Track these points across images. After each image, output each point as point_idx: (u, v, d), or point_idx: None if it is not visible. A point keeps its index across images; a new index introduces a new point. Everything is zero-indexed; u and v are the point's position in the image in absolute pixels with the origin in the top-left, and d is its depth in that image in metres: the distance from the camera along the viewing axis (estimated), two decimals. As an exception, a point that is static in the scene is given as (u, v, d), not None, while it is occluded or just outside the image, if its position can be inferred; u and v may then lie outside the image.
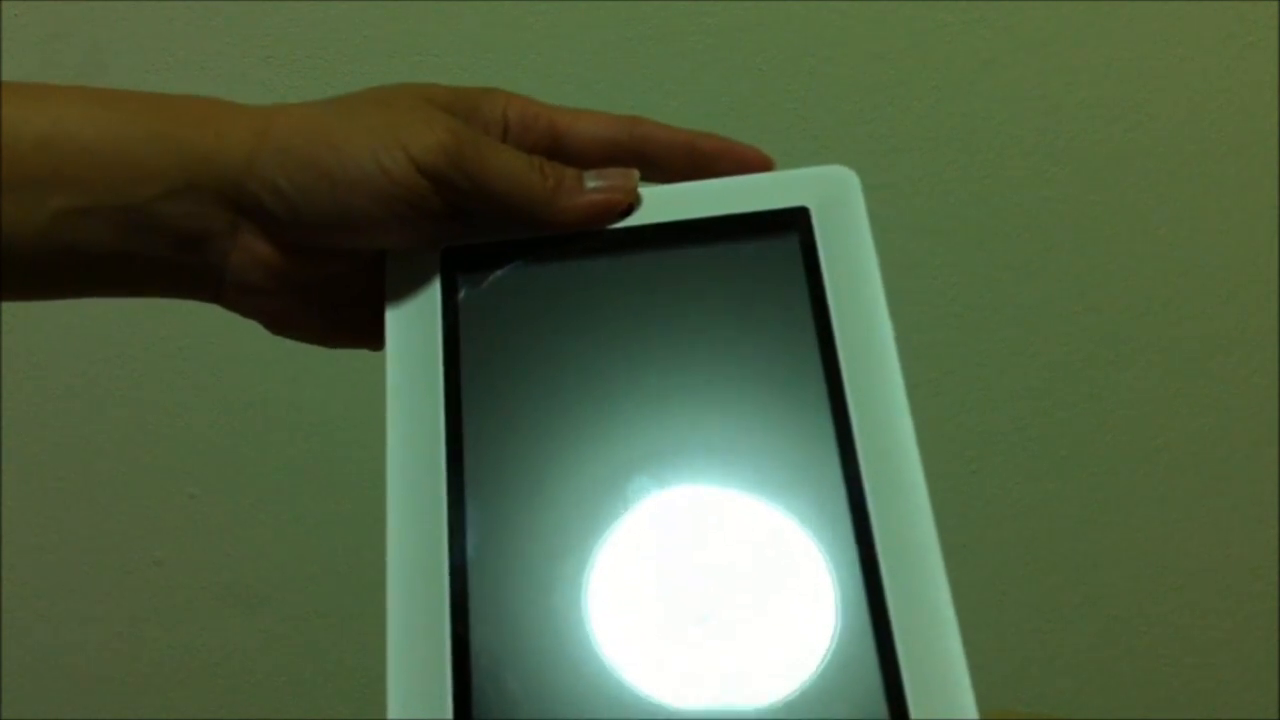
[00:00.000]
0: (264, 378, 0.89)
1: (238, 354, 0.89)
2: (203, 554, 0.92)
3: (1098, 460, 0.91)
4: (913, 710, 0.31)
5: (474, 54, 0.85)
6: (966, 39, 0.85)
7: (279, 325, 0.40)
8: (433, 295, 0.38)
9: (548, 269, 0.38)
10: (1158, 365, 0.90)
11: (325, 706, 0.94)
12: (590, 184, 0.39)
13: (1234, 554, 0.92)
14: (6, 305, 0.88)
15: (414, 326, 0.38)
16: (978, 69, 0.86)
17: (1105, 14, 0.85)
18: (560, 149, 0.40)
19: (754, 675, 0.32)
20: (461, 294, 0.38)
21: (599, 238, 0.39)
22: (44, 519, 0.92)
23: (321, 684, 0.94)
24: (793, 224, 0.39)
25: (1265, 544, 0.92)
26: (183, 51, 0.85)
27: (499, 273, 0.38)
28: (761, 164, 0.41)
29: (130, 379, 0.90)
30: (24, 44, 0.85)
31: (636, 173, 0.39)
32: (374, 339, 0.40)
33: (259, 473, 0.91)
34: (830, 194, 0.39)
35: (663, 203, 0.39)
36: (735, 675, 0.32)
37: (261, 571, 0.93)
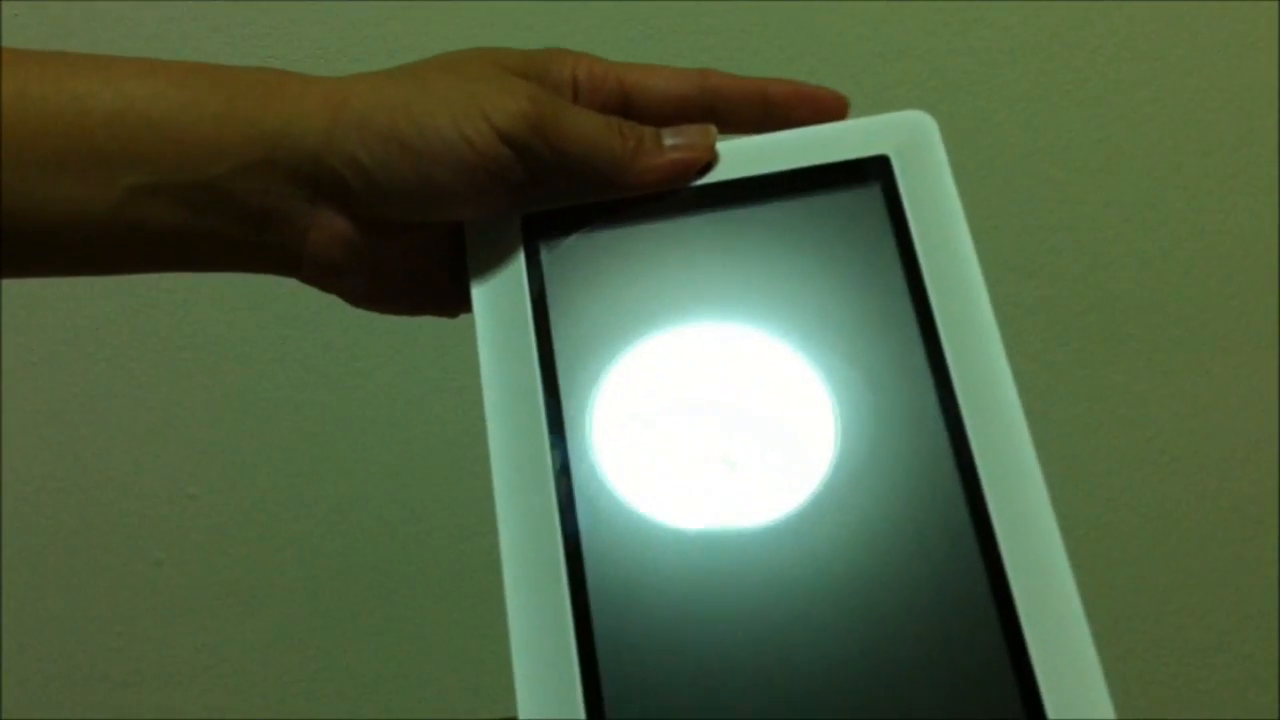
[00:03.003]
0: (264, 378, 0.89)
1: (238, 354, 0.89)
2: (203, 554, 0.92)
3: (1098, 460, 0.91)
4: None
5: (474, 54, 0.85)
6: (966, 39, 0.85)
7: (358, 298, 0.40)
8: (517, 264, 0.37)
9: (629, 231, 0.38)
10: (1158, 365, 0.90)
11: (325, 706, 0.94)
12: (669, 141, 0.38)
13: (1234, 554, 0.92)
14: (6, 305, 0.88)
15: (501, 296, 0.37)
16: (978, 69, 0.86)
17: (1105, 14, 0.85)
18: (630, 106, 0.40)
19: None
20: (545, 260, 0.38)
21: (677, 196, 0.38)
22: (44, 519, 0.92)
23: (321, 684, 0.94)
24: (874, 173, 0.38)
25: (1265, 544, 0.92)
26: (183, 51, 0.85)
27: (581, 237, 0.38)
28: (834, 103, 0.40)
29: (130, 379, 0.90)
30: (24, 44, 0.84)
31: (714, 129, 0.39)
32: (451, 305, 0.40)
33: (259, 473, 0.91)
34: (909, 140, 0.38)
35: (740, 158, 0.39)
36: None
37: (261, 571, 0.93)
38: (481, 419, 0.36)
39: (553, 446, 0.35)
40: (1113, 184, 0.87)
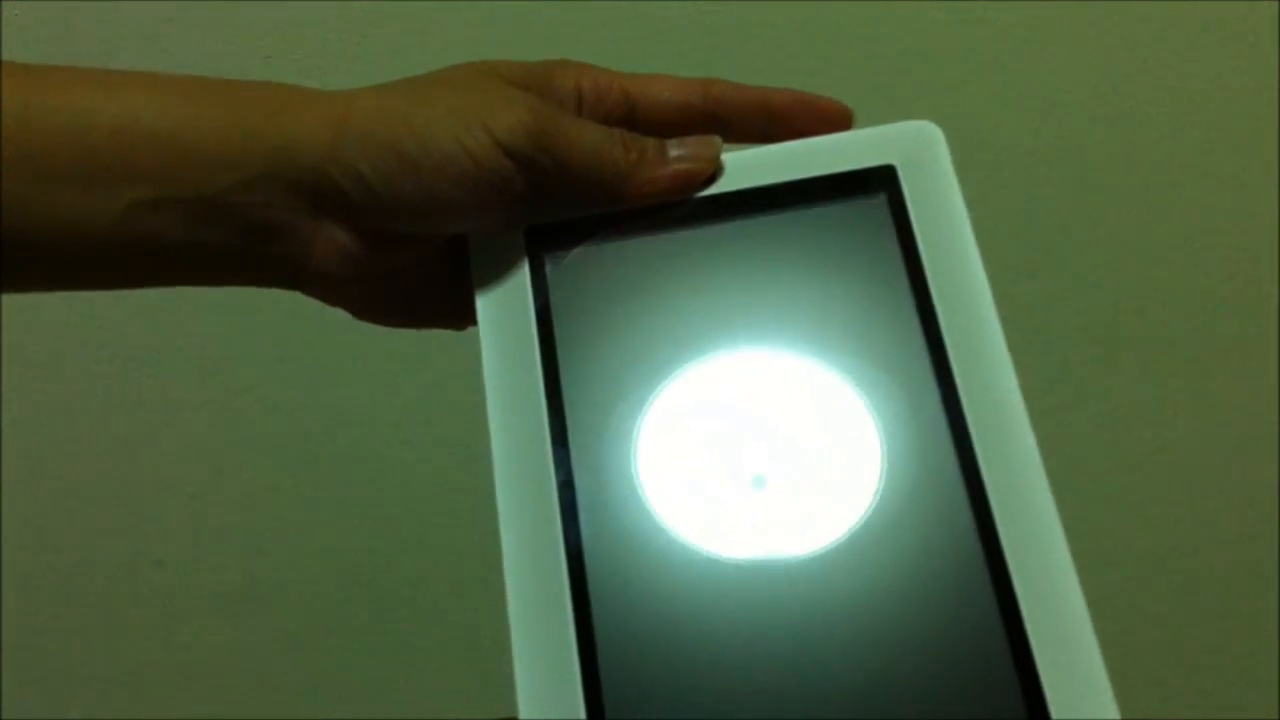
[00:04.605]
0: (263, 377, 0.89)
1: (237, 354, 0.89)
2: (203, 554, 0.92)
3: (1097, 460, 0.91)
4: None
5: (473, 54, 0.85)
6: (966, 39, 0.85)
7: (361, 311, 0.40)
8: (521, 276, 0.37)
9: (634, 243, 0.38)
10: (1158, 365, 0.90)
11: (325, 706, 0.94)
12: (672, 153, 0.38)
13: (1234, 554, 0.92)
14: (6, 304, 0.88)
15: (505, 309, 0.37)
16: (978, 69, 0.86)
17: (1104, 14, 0.85)
18: (634, 116, 0.39)
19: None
20: (549, 273, 0.37)
21: (682, 208, 0.38)
22: (44, 519, 0.92)
23: (321, 684, 0.94)
24: (880, 183, 0.38)
25: (1265, 544, 0.92)
26: (183, 51, 0.85)
27: (586, 249, 0.38)
28: (838, 114, 0.40)
29: (131, 379, 0.90)
30: (24, 44, 0.85)
31: (719, 140, 0.39)
32: (456, 318, 0.40)
33: (259, 473, 0.91)
34: (915, 150, 0.38)
35: (744, 168, 0.38)
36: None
37: (261, 571, 0.93)
38: (484, 419, 0.36)
39: (556, 459, 0.35)
40: (1113, 184, 0.87)
